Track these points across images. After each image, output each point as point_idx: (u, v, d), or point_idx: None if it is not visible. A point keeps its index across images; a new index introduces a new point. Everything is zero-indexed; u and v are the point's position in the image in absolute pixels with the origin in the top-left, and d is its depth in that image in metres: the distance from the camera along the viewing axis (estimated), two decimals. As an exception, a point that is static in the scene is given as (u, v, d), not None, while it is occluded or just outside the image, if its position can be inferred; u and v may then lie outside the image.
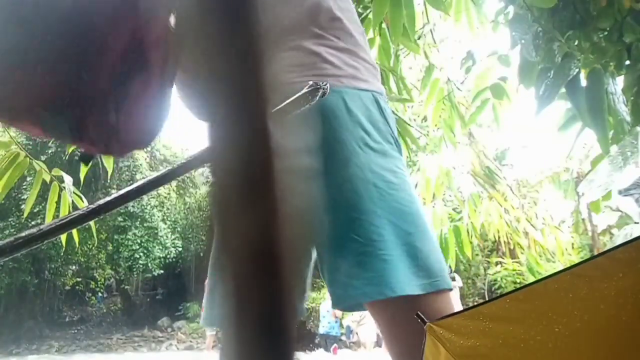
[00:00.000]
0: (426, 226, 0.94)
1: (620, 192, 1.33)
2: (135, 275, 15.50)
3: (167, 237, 14.88)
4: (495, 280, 12.64)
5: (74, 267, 15.05)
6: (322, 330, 10.56)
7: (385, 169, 0.92)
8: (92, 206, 0.47)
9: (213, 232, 0.20)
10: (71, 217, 0.47)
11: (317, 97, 0.67)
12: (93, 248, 13.77)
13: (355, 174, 0.90)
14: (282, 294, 0.19)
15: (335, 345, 10.57)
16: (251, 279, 0.19)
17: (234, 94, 0.19)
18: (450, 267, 3.52)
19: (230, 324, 0.18)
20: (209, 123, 0.20)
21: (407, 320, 0.87)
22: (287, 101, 0.59)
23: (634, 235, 1.55)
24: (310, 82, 0.67)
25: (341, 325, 10.94)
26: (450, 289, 0.93)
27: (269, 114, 0.20)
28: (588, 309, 0.81)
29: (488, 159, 3.79)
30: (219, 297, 0.19)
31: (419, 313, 0.86)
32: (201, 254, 15.04)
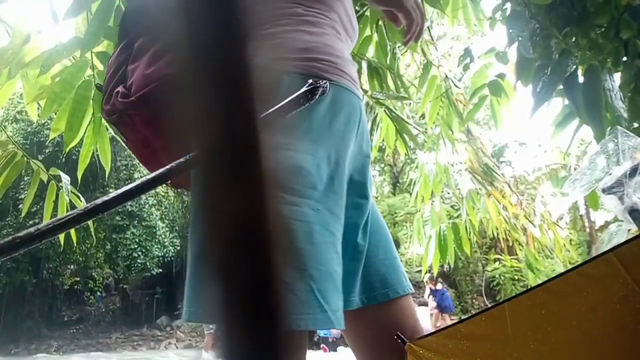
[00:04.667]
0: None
1: (604, 191, 1.34)
2: (134, 275, 15.46)
3: (165, 236, 14.84)
4: (494, 277, 12.67)
5: (72, 266, 15.01)
6: (321, 332, 10.58)
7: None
8: (90, 205, 0.46)
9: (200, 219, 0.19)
10: (69, 216, 0.46)
11: (316, 96, 0.67)
12: (91, 247, 13.73)
13: None
14: (271, 281, 0.19)
15: (323, 345, 10.64)
16: (238, 264, 0.18)
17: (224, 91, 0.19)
18: (449, 264, 3.53)
19: (219, 313, 0.18)
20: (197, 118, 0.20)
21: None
22: (285, 100, 0.58)
23: (618, 235, 1.56)
24: (310, 81, 0.66)
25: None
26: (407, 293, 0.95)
27: (261, 112, 0.20)
28: (561, 325, 0.83)
29: (486, 156, 3.79)
30: (208, 287, 0.19)
31: (399, 333, 0.88)
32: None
